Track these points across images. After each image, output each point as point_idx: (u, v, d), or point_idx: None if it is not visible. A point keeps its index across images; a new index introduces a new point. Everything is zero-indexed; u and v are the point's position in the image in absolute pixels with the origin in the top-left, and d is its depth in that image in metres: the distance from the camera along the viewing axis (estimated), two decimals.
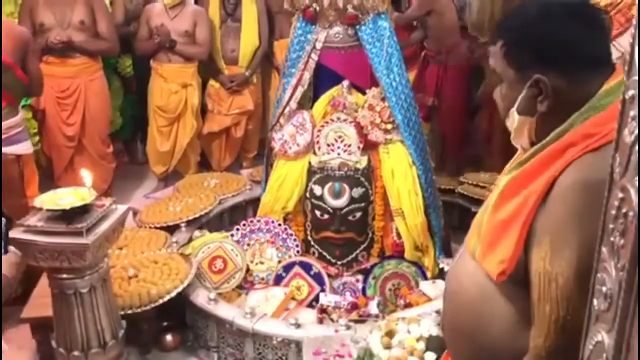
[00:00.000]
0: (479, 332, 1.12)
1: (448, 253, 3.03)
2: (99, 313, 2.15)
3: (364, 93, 2.91)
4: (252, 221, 3.07)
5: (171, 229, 3.23)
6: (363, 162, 2.88)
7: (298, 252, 2.99)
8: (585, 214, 0.94)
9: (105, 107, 4.08)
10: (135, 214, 3.44)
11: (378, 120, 2.85)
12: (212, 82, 4.55)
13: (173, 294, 2.56)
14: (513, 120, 1.13)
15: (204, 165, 4.78)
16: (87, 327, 2.14)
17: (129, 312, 2.47)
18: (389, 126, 2.85)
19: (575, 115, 1.03)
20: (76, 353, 2.15)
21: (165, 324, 2.71)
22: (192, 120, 4.39)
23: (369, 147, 2.90)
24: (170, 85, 4.29)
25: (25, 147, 3.15)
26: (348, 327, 2.40)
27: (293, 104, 2.94)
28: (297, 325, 2.42)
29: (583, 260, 0.93)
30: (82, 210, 2.03)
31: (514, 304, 1.08)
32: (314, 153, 2.93)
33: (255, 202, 3.38)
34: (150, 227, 3.24)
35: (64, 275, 2.06)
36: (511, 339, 1.07)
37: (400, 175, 2.86)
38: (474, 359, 1.17)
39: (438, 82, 4.28)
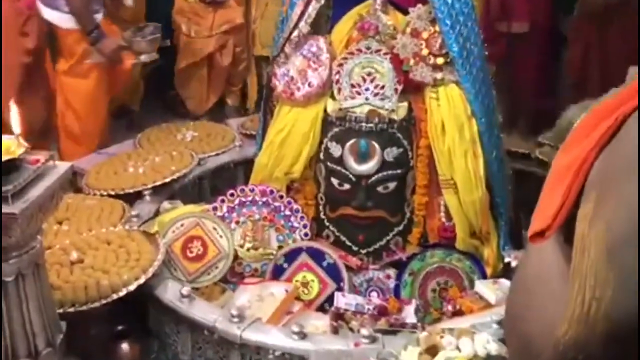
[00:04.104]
0: (528, 315, 1.13)
1: (518, 242, 3.03)
2: (29, 311, 2.15)
3: (405, 12, 2.90)
4: (242, 190, 3.08)
5: (131, 198, 3.25)
6: (401, 112, 2.87)
7: (306, 235, 3.01)
8: None
9: None
10: (80, 175, 3.44)
11: (425, 52, 2.83)
12: None
13: (132, 288, 2.57)
14: None
15: (173, 110, 4.83)
16: (13, 330, 2.14)
17: (71, 310, 2.49)
18: (440, 60, 2.83)
19: None
20: None
21: (120, 327, 2.73)
22: None
23: (410, 90, 2.89)
24: None
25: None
26: (373, 340, 2.41)
27: (304, 27, 2.94)
28: (303, 335, 2.44)
29: (630, 226, 0.90)
30: (8, 168, 2.02)
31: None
32: (332, 97, 2.93)
33: (247, 164, 3.41)
34: (101, 195, 3.26)
35: None
36: None
37: (454, 131, 2.84)
38: (520, 353, 1.18)
39: None
